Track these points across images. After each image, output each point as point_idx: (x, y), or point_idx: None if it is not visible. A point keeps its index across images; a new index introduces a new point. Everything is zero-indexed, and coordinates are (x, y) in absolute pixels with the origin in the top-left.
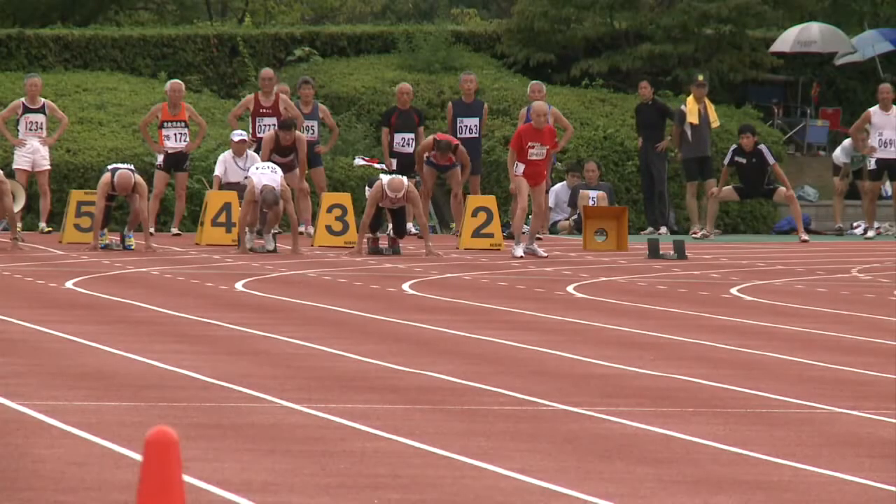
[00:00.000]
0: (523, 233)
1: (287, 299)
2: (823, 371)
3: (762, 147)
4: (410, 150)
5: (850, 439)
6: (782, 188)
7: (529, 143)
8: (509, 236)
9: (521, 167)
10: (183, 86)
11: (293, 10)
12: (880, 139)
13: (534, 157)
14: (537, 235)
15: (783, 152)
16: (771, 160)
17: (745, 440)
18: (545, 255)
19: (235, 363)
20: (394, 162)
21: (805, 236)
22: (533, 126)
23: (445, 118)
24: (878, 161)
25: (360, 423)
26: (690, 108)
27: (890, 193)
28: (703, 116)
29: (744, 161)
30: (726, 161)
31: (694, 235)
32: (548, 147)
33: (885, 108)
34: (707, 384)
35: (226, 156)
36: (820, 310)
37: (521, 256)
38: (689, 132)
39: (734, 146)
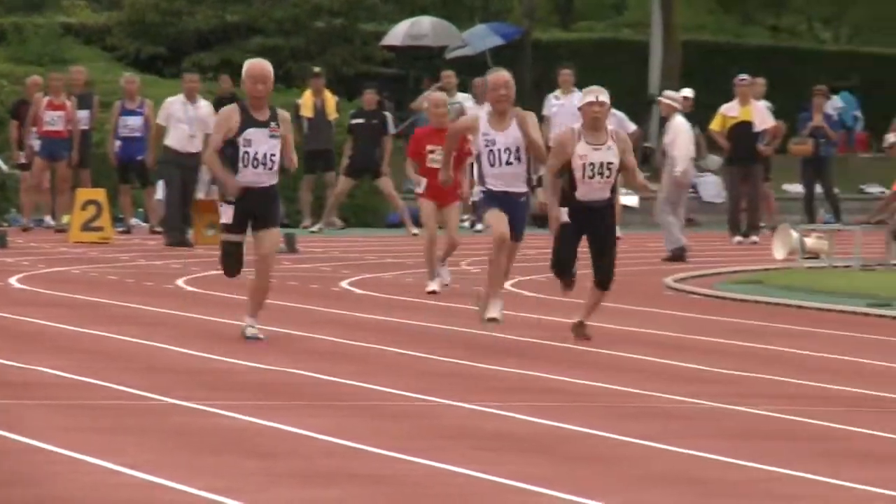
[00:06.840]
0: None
1: None
2: (438, 364)
3: (386, 112)
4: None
5: (461, 432)
6: (385, 178)
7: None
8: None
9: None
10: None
11: None
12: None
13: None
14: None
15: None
16: (392, 129)
17: (355, 433)
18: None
19: None
20: None
21: (415, 230)
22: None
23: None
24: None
25: None
26: (305, 101)
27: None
28: (320, 109)
29: (363, 121)
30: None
31: (305, 227)
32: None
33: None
34: (320, 378)
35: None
36: (427, 302)
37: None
38: (305, 125)
39: (354, 111)
